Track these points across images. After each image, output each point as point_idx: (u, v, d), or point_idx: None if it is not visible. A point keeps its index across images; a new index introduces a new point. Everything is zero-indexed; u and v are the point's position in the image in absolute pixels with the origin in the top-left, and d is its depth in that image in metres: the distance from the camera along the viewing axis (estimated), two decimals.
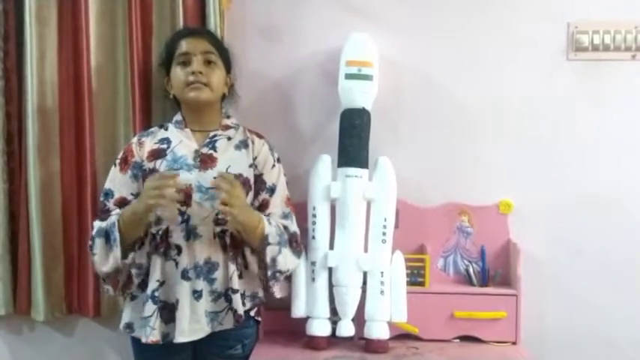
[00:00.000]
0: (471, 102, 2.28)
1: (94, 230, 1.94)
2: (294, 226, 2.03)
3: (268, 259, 1.92)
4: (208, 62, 1.99)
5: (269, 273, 1.95)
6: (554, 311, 2.27)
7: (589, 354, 2.28)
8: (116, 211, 1.95)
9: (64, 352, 2.38)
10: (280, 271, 1.97)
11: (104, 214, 1.97)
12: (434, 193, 2.28)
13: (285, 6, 2.30)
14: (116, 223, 1.88)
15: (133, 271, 1.94)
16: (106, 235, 1.90)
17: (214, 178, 1.87)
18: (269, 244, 1.91)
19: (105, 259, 1.91)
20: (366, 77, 2.11)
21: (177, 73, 1.98)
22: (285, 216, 2.02)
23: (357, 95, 2.12)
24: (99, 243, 1.91)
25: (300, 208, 2.13)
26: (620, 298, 2.27)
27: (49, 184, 2.24)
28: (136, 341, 1.99)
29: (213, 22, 2.18)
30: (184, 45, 1.99)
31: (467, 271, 2.25)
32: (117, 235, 1.87)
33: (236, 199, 1.83)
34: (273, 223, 1.95)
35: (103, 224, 1.92)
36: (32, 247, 2.23)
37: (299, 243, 2.04)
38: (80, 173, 2.25)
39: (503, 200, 2.25)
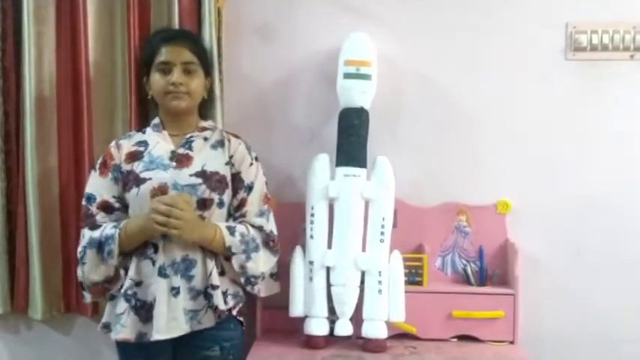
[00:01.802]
0: (469, 102, 2.28)
1: (85, 240, 1.94)
2: (270, 225, 2.02)
3: (237, 267, 1.94)
4: (188, 72, 1.99)
5: (242, 280, 1.96)
6: (551, 311, 2.28)
7: (586, 353, 2.28)
8: (100, 215, 1.96)
9: (61, 350, 2.38)
10: (254, 276, 1.97)
11: (89, 219, 1.97)
12: (432, 192, 2.28)
13: (282, 5, 2.30)
14: (116, 237, 1.88)
15: (122, 271, 1.94)
16: (99, 245, 1.91)
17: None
18: (233, 254, 1.93)
19: (96, 269, 1.93)
20: (365, 77, 2.11)
21: (157, 80, 1.98)
22: (261, 214, 2.01)
23: (356, 95, 2.12)
24: (90, 254, 1.92)
25: (298, 208, 2.13)
26: (618, 298, 2.27)
27: (47, 182, 2.24)
28: (119, 342, 1.99)
29: (208, 22, 2.18)
30: (165, 53, 1.98)
31: (465, 270, 2.25)
32: (114, 248, 1.88)
33: (181, 221, 1.83)
34: (238, 231, 1.94)
35: (96, 234, 1.92)
36: (30, 245, 2.23)
37: (275, 242, 2.02)
38: (78, 172, 2.25)
39: (501, 200, 2.26)
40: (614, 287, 2.27)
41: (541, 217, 2.28)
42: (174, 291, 1.90)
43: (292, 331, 2.14)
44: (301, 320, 2.11)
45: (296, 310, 2.10)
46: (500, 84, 2.28)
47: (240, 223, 1.98)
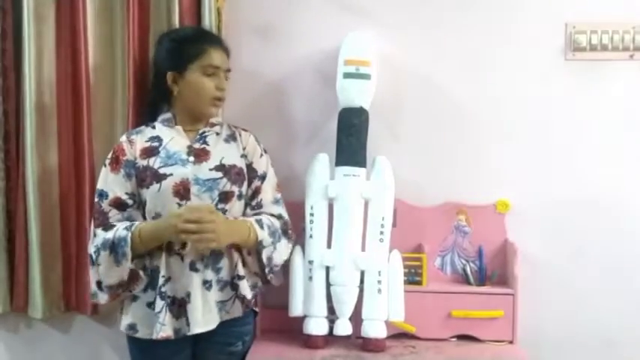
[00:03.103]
0: (468, 101, 2.28)
1: (99, 241, 1.91)
2: (285, 213, 2.07)
3: (265, 259, 1.97)
4: (226, 79, 2.04)
5: (267, 270, 1.99)
6: (551, 310, 2.28)
7: (586, 353, 2.28)
8: (113, 212, 1.94)
9: (61, 350, 2.39)
10: (276, 265, 2.02)
11: (102, 216, 1.95)
12: (431, 192, 2.28)
13: (282, 5, 2.30)
14: (128, 240, 1.87)
15: (140, 272, 1.93)
16: (112, 247, 1.88)
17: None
18: (264, 247, 1.95)
19: (110, 272, 1.90)
20: (364, 76, 2.11)
21: (206, 82, 1.98)
22: (276, 201, 2.05)
23: (355, 94, 2.12)
24: (104, 255, 1.89)
25: (297, 207, 2.13)
26: (617, 298, 2.27)
27: (47, 181, 2.24)
28: (136, 342, 1.98)
29: (208, 22, 2.18)
30: (215, 57, 1.99)
31: (464, 270, 2.25)
32: (127, 250, 1.87)
33: (214, 233, 1.83)
34: (265, 223, 1.97)
35: (109, 235, 1.90)
36: (30, 244, 2.23)
37: (292, 230, 2.07)
38: (78, 171, 2.25)
39: (500, 200, 2.26)
40: (613, 287, 2.27)
41: (540, 217, 2.28)
42: (207, 284, 1.93)
43: (292, 330, 2.14)
44: (300, 320, 2.11)
45: (295, 309, 2.10)
46: (500, 84, 2.27)
47: (259, 213, 2.01)
